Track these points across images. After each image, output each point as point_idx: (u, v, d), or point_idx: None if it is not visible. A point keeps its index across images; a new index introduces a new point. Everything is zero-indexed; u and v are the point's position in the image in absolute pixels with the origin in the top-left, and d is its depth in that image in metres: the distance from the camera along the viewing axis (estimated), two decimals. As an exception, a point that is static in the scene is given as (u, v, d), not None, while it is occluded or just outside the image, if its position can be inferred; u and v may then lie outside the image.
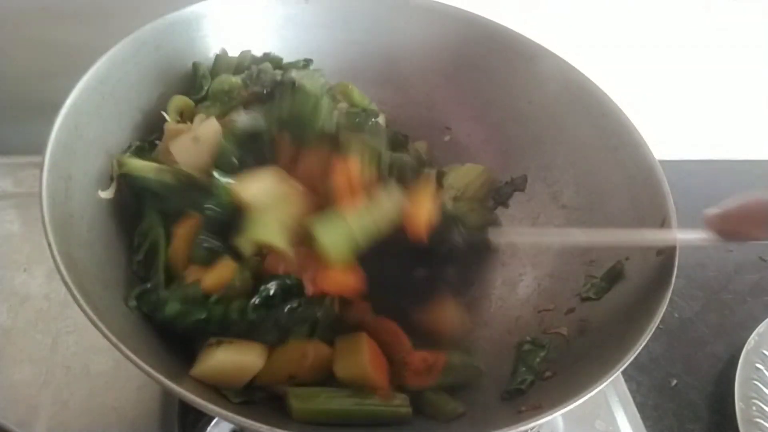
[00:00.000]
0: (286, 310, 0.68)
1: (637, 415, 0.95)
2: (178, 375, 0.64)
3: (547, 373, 0.72)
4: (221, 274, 0.69)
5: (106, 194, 0.74)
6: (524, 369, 0.74)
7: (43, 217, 0.60)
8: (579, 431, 0.92)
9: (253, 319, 0.67)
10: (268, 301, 0.68)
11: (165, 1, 0.82)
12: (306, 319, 0.69)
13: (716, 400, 1.02)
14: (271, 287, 0.69)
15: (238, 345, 0.67)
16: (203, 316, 0.67)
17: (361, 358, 0.69)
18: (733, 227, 0.70)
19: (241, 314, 0.67)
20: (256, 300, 0.67)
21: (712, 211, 0.71)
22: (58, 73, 0.80)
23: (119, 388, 0.83)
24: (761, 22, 1.23)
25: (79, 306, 0.57)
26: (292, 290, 0.70)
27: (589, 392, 0.61)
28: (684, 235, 0.72)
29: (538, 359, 0.75)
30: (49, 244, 0.59)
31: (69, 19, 0.99)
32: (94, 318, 0.56)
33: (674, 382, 1.04)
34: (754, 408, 0.96)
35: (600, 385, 0.62)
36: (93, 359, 0.85)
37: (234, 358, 0.66)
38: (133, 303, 0.68)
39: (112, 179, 0.75)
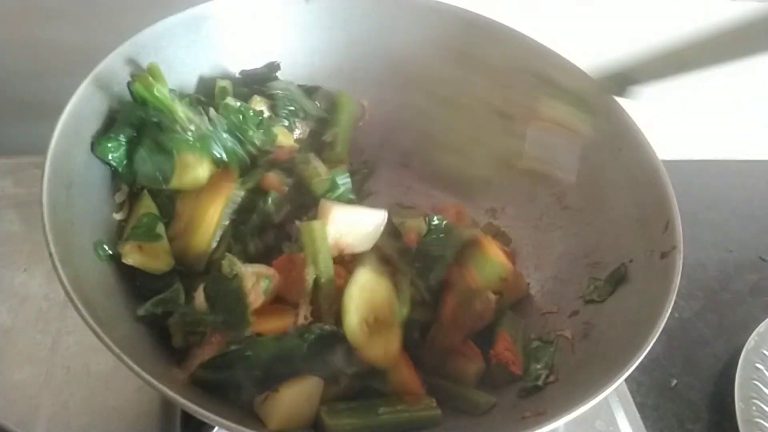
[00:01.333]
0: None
1: (637, 415, 0.95)
2: (179, 383, 0.64)
3: (551, 378, 0.72)
4: (281, 324, 0.69)
5: (119, 216, 0.75)
6: (537, 366, 0.74)
7: (43, 224, 0.60)
8: (579, 431, 0.92)
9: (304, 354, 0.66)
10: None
11: (165, 2, 0.82)
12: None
13: (716, 400, 1.02)
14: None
15: (291, 382, 0.66)
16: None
17: (401, 364, 0.70)
18: None
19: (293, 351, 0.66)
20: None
21: None
22: (57, 73, 0.79)
23: (119, 388, 0.83)
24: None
25: (80, 314, 0.57)
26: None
27: (594, 399, 0.61)
28: None
29: (547, 355, 0.75)
30: (50, 253, 0.58)
31: (69, 19, 0.99)
32: (95, 327, 0.56)
33: (674, 382, 1.04)
34: (754, 408, 0.96)
35: (605, 391, 0.61)
36: (93, 359, 0.84)
37: (299, 391, 0.65)
38: (146, 311, 0.68)
39: (124, 204, 0.75)
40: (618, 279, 0.77)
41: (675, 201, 0.76)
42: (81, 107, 0.69)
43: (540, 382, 0.72)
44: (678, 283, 0.70)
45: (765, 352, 1.02)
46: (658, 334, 0.65)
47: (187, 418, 0.80)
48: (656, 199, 0.78)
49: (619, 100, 0.84)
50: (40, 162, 0.63)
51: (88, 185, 0.70)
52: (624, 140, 0.83)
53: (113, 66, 0.74)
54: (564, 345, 0.76)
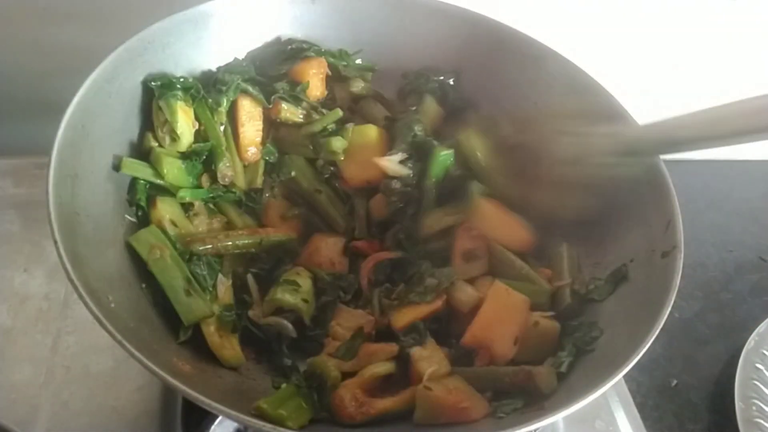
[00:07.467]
0: None
1: (637, 415, 0.95)
2: (182, 373, 0.65)
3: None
4: None
5: (133, 217, 0.76)
6: (563, 352, 0.73)
7: (49, 214, 0.60)
8: (579, 431, 0.91)
9: None
10: None
11: (166, 2, 0.82)
12: None
13: (716, 400, 1.02)
14: None
15: None
16: None
17: None
18: None
19: None
20: None
21: None
22: (58, 73, 0.79)
23: (119, 388, 0.83)
24: (761, 22, 1.23)
25: (85, 303, 0.57)
26: None
27: (592, 395, 0.61)
28: None
29: (571, 342, 0.74)
30: (56, 242, 0.59)
31: (69, 19, 0.99)
32: (100, 315, 0.56)
33: (674, 382, 1.04)
34: (754, 408, 0.96)
35: (603, 387, 0.61)
36: (93, 359, 0.85)
37: None
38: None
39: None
40: (619, 278, 0.77)
41: (676, 200, 0.76)
42: (88, 100, 0.69)
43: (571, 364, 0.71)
44: (678, 282, 0.70)
45: (765, 352, 1.03)
46: (657, 333, 0.65)
47: (188, 415, 0.80)
48: (657, 199, 0.78)
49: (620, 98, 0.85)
50: (40, 162, 0.64)
51: (94, 177, 0.71)
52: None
53: (121, 61, 0.74)
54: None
